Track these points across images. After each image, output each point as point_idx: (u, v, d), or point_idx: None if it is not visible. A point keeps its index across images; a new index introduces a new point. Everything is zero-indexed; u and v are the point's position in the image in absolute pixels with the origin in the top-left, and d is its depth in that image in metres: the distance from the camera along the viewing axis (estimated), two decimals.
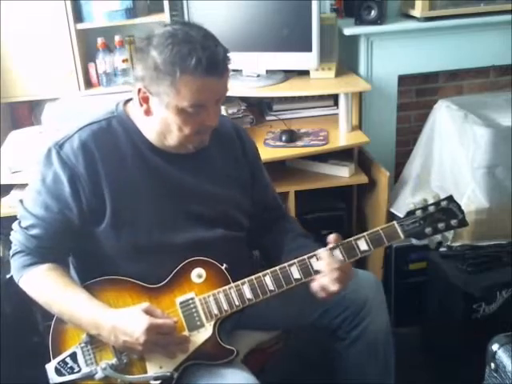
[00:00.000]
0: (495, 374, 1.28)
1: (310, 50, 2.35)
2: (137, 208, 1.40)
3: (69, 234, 1.40)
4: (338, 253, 1.37)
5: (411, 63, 2.63)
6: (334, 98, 2.54)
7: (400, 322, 2.24)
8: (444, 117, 2.39)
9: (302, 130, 2.40)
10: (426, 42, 2.59)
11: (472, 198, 2.21)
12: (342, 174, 2.33)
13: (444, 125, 2.39)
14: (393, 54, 2.60)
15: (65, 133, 1.41)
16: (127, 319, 1.32)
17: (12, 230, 1.44)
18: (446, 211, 1.35)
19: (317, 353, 2.11)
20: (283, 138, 2.30)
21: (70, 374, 1.38)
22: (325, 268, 1.35)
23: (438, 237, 1.38)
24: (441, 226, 1.35)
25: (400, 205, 2.34)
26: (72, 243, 1.44)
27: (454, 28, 2.55)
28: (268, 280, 1.38)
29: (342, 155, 2.36)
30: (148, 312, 1.32)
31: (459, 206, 1.36)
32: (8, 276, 1.63)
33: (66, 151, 1.36)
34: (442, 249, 2.15)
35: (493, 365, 1.29)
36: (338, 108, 2.42)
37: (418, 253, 2.29)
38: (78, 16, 2.42)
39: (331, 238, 1.39)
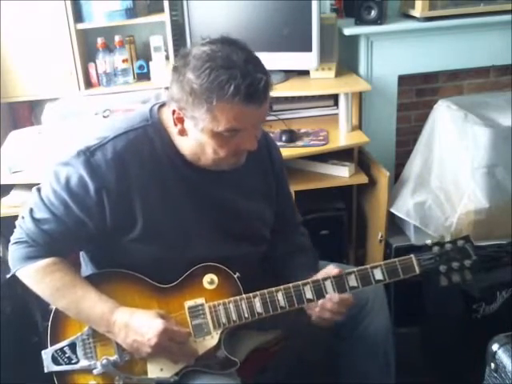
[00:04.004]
0: (495, 374, 1.28)
1: (310, 49, 2.35)
2: (168, 222, 1.35)
3: (82, 236, 1.35)
4: (352, 278, 1.38)
5: (411, 63, 2.63)
6: (334, 98, 2.54)
7: (400, 322, 2.23)
8: (444, 117, 2.39)
9: (302, 130, 2.39)
10: (426, 42, 2.59)
11: (472, 197, 2.20)
12: (342, 173, 2.32)
13: (444, 125, 2.38)
14: (393, 54, 2.60)
15: (97, 137, 1.33)
16: (142, 319, 1.30)
17: (20, 218, 1.36)
18: (461, 250, 1.34)
19: (317, 353, 2.11)
20: (283, 138, 2.30)
21: (67, 364, 1.36)
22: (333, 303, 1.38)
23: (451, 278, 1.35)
24: (455, 265, 1.34)
25: (400, 205, 2.34)
26: (83, 244, 1.41)
27: (454, 28, 2.54)
28: (280, 296, 1.37)
29: (342, 155, 2.36)
30: (163, 317, 1.31)
31: (474, 247, 1.34)
32: (8, 276, 1.62)
33: (97, 159, 1.29)
34: None
35: (493, 365, 1.28)
36: (337, 108, 2.42)
37: (418, 253, 2.28)
38: (78, 16, 2.42)
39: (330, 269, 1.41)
